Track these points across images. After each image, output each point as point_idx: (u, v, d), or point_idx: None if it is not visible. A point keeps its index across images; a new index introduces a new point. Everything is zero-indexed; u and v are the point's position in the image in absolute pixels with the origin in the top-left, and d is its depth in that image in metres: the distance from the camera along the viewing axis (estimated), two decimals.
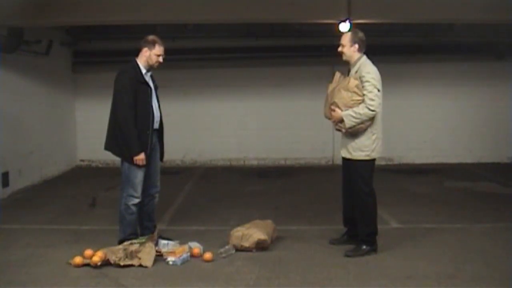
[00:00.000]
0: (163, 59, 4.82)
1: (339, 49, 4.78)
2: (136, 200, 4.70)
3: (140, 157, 4.60)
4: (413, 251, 4.76)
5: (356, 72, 4.65)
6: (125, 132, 4.59)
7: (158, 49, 4.73)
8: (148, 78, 4.78)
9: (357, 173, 4.63)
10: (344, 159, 4.78)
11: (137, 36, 10.59)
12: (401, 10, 6.68)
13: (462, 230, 5.48)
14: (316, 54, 9.93)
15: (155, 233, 4.80)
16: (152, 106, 4.73)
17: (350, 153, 4.64)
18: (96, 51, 9.83)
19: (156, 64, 4.78)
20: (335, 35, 8.29)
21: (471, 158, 10.18)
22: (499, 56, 9.91)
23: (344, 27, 6.75)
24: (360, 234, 4.72)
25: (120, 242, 4.68)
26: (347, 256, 4.60)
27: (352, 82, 4.52)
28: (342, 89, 4.56)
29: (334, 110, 4.62)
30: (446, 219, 5.93)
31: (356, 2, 6.45)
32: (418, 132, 10.28)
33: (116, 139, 4.70)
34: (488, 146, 10.19)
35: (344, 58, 4.79)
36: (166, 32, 9.41)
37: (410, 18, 7.12)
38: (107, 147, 4.81)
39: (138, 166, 4.64)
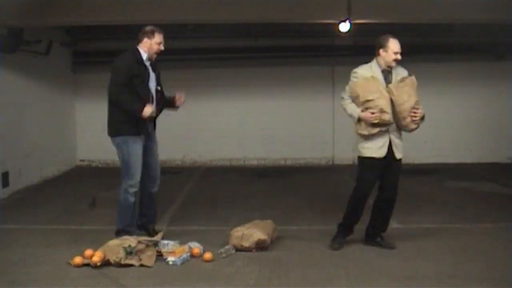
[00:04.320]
0: (164, 47, 4.87)
1: (399, 57, 4.81)
2: (134, 189, 4.76)
3: (147, 109, 4.57)
4: (413, 251, 4.77)
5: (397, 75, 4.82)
6: (120, 102, 4.60)
7: (158, 37, 4.80)
8: (147, 63, 4.80)
9: (400, 170, 4.83)
10: (383, 160, 4.70)
11: (137, 36, 10.60)
12: (401, 10, 6.68)
13: (462, 230, 5.48)
14: (316, 54, 9.93)
15: (159, 235, 4.77)
16: (150, 88, 4.74)
17: (401, 152, 4.79)
18: (96, 51, 9.82)
19: (158, 52, 4.82)
20: (335, 35, 8.37)
21: (471, 158, 10.17)
22: (499, 56, 9.90)
23: (344, 27, 6.76)
24: (384, 229, 4.93)
25: (117, 232, 4.74)
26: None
27: (415, 81, 4.80)
28: (412, 89, 4.77)
29: (418, 109, 4.72)
30: (446, 219, 5.93)
31: (356, 2, 6.44)
32: (418, 132, 10.18)
33: (112, 119, 4.78)
34: (488, 146, 10.19)
35: (394, 64, 4.86)
36: (166, 32, 9.41)
37: (410, 18, 7.12)
38: (108, 133, 4.87)
39: (142, 133, 4.70)
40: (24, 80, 7.98)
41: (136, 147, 4.75)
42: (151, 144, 4.96)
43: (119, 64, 4.71)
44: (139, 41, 4.81)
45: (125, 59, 4.73)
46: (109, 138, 4.97)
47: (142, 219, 5.14)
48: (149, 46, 4.76)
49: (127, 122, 4.71)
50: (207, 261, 4.46)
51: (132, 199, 4.76)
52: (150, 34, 4.76)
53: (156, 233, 4.99)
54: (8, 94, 7.37)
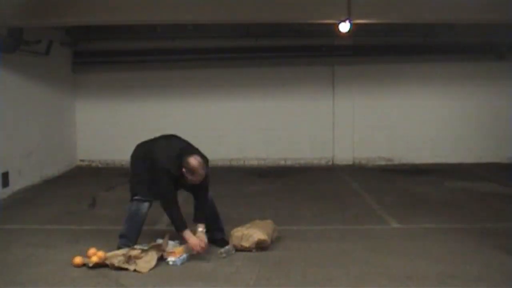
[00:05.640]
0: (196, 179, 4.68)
1: None
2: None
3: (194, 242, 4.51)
4: (413, 251, 4.77)
5: None
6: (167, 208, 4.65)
7: (195, 178, 4.60)
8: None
9: None
10: None
11: (137, 36, 10.59)
12: (401, 10, 6.68)
13: (462, 230, 5.47)
14: (316, 54, 9.94)
15: (166, 241, 4.64)
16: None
17: None
18: (96, 51, 9.83)
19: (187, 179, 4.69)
20: (335, 35, 8.37)
21: (471, 158, 10.17)
22: (499, 56, 9.91)
23: (344, 27, 6.76)
24: None
25: (120, 236, 4.70)
26: None
27: None
28: None
29: None
30: (446, 219, 5.93)
31: (356, 2, 6.45)
32: (418, 132, 10.28)
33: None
34: (488, 146, 10.19)
35: None
36: (166, 32, 9.44)
37: (410, 18, 7.12)
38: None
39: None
40: (24, 80, 7.98)
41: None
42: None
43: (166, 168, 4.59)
44: (183, 165, 4.59)
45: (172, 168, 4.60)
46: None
47: (208, 228, 4.93)
48: (183, 172, 4.59)
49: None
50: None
51: (137, 215, 4.70)
52: (190, 172, 4.55)
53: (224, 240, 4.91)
54: (8, 94, 7.37)
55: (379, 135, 10.19)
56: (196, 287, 3.99)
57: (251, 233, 4.73)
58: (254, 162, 10.25)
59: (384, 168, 9.81)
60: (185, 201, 6.93)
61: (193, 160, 4.51)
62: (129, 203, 4.79)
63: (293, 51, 9.89)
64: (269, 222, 5.08)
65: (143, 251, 4.41)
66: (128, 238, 4.67)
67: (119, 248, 4.59)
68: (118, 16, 6.67)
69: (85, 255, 4.41)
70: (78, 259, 4.35)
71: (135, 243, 4.64)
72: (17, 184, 7.57)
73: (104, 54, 9.75)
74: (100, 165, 10.09)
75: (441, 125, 10.29)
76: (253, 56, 9.85)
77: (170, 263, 4.41)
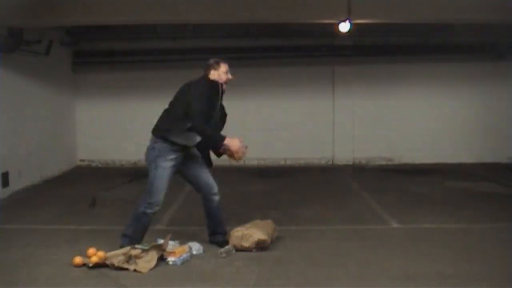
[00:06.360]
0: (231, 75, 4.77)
1: None
2: (151, 210, 4.61)
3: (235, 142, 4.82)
4: (413, 251, 4.77)
5: None
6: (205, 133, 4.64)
7: (224, 67, 4.69)
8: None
9: None
10: None
11: (137, 36, 10.56)
12: (401, 10, 6.68)
13: (462, 230, 5.48)
14: (316, 54, 9.94)
15: (166, 241, 4.60)
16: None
17: None
18: (96, 51, 9.84)
19: (227, 82, 4.73)
20: (335, 35, 8.38)
21: (471, 158, 10.17)
22: (499, 56, 9.91)
23: (344, 27, 6.76)
24: None
25: (123, 235, 4.65)
26: None
27: None
28: None
29: None
30: (446, 219, 5.93)
31: (356, 2, 6.45)
32: (418, 132, 10.28)
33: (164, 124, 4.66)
34: (488, 146, 10.19)
35: None
36: (166, 32, 9.44)
37: (410, 18, 7.12)
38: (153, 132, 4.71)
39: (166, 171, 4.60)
40: (24, 80, 7.98)
41: (164, 171, 4.60)
42: (189, 160, 4.91)
43: (210, 91, 4.60)
44: (206, 74, 4.69)
45: (219, 87, 4.65)
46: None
47: (211, 231, 4.99)
48: (217, 77, 4.67)
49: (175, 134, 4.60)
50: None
51: (145, 217, 4.62)
52: (216, 65, 4.66)
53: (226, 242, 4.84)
54: (8, 94, 7.37)
55: (379, 135, 10.20)
56: (196, 287, 4.00)
57: (251, 233, 4.73)
58: (254, 162, 10.24)
59: (384, 168, 9.81)
60: (184, 201, 6.97)
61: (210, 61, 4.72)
62: (137, 202, 4.73)
63: (293, 51, 9.90)
64: (269, 222, 5.08)
65: (143, 251, 4.41)
66: (133, 239, 4.61)
67: (122, 247, 4.57)
68: (118, 16, 6.67)
69: (85, 255, 4.41)
70: (78, 259, 4.35)
71: (139, 244, 4.63)
72: (17, 184, 7.57)
73: (104, 54, 9.75)
74: (100, 165, 10.10)
75: (441, 125, 10.29)
76: (253, 56, 9.85)
77: (170, 263, 4.40)
